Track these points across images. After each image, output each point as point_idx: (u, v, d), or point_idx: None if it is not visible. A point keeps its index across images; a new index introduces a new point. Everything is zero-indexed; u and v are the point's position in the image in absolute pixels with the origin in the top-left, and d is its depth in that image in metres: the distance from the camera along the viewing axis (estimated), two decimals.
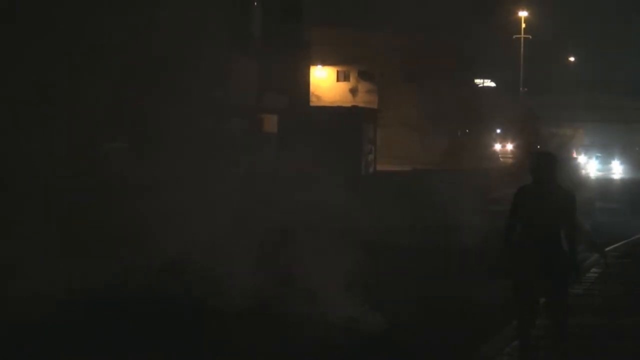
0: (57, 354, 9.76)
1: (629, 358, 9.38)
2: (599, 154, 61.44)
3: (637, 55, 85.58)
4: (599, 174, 55.12)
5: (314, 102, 51.92)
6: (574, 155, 54.91)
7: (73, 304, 10.99)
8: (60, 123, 13.12)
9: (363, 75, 59.85)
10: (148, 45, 14.81)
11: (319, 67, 57.13)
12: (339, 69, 59.88)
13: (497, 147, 60.50)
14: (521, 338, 8.17)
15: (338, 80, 60.19)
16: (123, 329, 10.60)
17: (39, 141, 13.08)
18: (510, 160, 51.20)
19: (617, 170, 58.42)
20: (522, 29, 70.07)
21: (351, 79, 60.19)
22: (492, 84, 73.81)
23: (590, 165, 59.81)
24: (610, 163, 59.85)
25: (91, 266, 12.18)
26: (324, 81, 58.36)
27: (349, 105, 47.12)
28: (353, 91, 59.52)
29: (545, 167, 7.94)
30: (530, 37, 70.98)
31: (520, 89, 72.05)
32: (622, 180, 50.04)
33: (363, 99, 56.80)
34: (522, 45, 69.93)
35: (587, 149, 64.66)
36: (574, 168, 41.50)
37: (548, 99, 67.74)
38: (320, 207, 16.77)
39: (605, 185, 42.56)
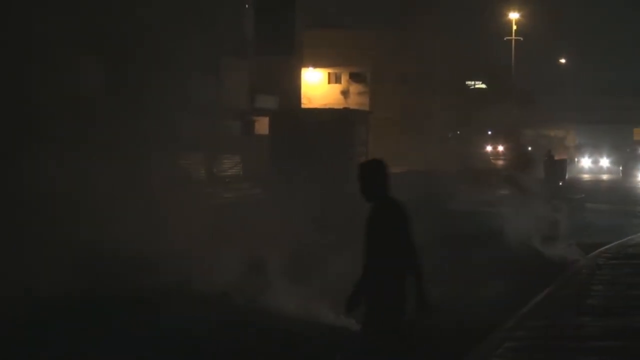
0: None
1: (624, 358, 9.36)
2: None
3: (628, 57, 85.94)
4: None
5: (305, 104, 51.89)
6: (565, 156, 54.75)
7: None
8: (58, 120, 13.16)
9: (355, 77, 59.83)
10: (140, 46, 14.81)
11: (311, 69, 57.12)
12: (331, 71, 59.86)
13: (489, 148, 60.50)
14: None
15: (329, 82, 60.17)
16: None
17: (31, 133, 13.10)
18: (501, 162, 51.25)
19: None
20: (514, 30, 70.17)
21: (343, 81, 60.17)
22: (483, 86, 73.90)
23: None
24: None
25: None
26: (316, 83, 58.33)
27: (340, 107, 47.05)
28: (345, 93, 59.50)
29: (371, 178, 6.47)
30: (522, 39, 71.10)
31: (512, 90, 72.10)
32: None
33: (355, 101, 56.79)
34: (513, 47, 70.04)
35: (591, 150, 63.83)
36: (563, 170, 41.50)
37: (539, 100, 67.80)
38: (312, 207, 16.74)
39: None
